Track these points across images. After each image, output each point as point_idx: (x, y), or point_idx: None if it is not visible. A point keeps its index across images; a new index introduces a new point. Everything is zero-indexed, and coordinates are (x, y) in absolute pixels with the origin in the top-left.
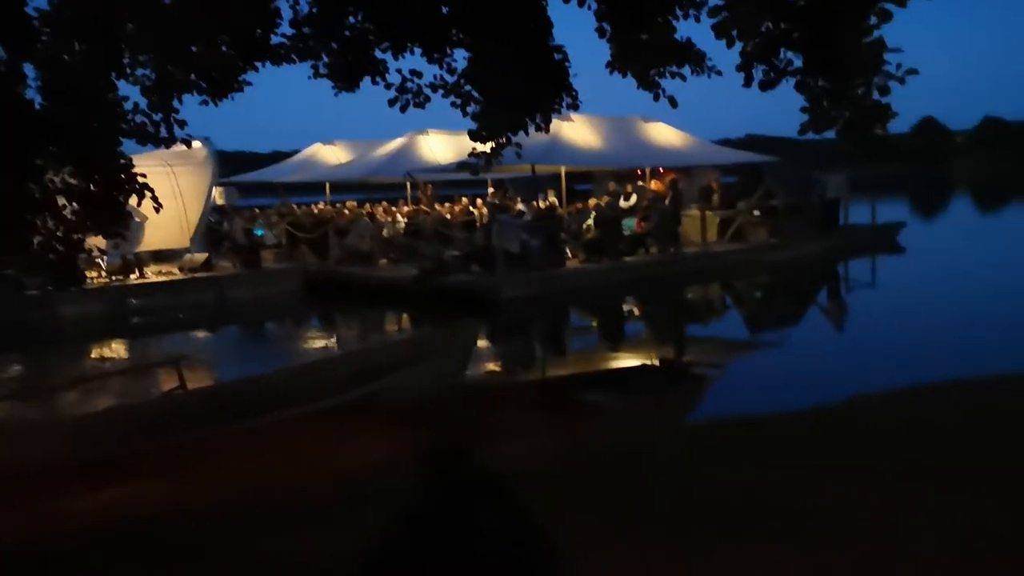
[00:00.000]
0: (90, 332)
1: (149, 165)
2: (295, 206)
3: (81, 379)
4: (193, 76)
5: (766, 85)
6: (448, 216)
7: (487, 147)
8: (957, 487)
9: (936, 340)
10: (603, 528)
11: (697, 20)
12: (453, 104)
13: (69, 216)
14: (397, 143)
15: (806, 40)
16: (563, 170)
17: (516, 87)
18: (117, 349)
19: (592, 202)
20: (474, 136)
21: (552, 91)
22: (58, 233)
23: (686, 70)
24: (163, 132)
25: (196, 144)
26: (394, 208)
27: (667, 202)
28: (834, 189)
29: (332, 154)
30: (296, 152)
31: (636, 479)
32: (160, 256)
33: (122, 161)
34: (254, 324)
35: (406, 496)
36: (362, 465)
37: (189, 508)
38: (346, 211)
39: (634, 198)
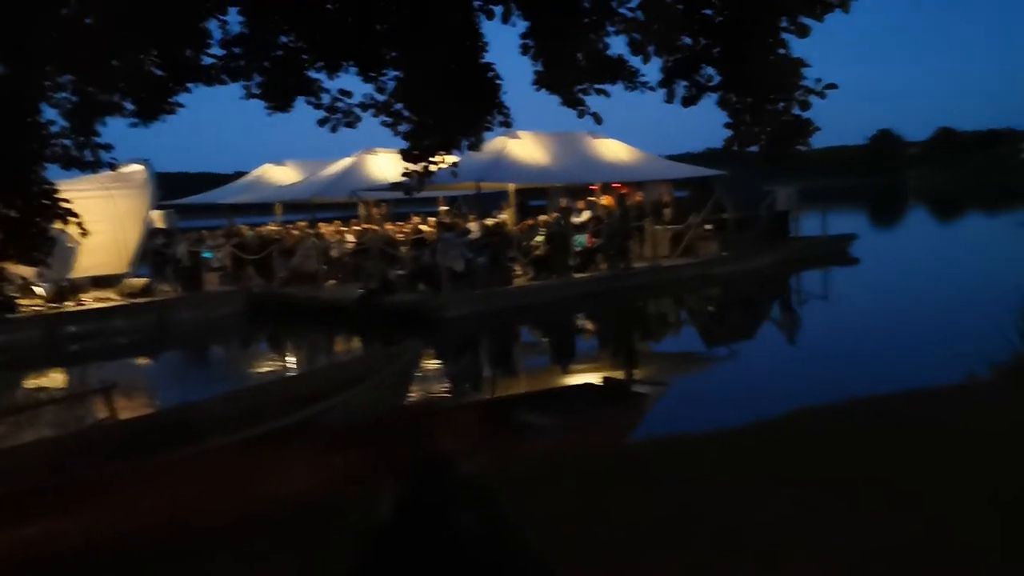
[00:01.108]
0: (22, 361)
1: (86, 189)
2: (245, 227)
3: (7, 410)
4: (117, 98)
5: (688, 101)
6: (400, 235)
7: (419, 167)
8: (897, 500)
9: (882, 351)
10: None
11: (628, 36)
12: (384, 124)
13: None
14: (346, 162)
15: (722, 56)
16: (512, 187)
17: (448, 106)
18: (48, 378)
19: (543, 218)
20: (406, 156)
21: (483, 109)
22: None
23: (617, 87)
24: (88, 156)
25: (136, 167)
26: (344, 227)
27: (615, 217)
28: (783, 201)
29: (282, 174)
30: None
31: (571, 499)
32: (101, 282)
33: (45, 186)
34: (194, 348)
35: (357, 516)
36: (300, 490)
37: (112, 540)
38: (295, 231)
39: (586, 214)
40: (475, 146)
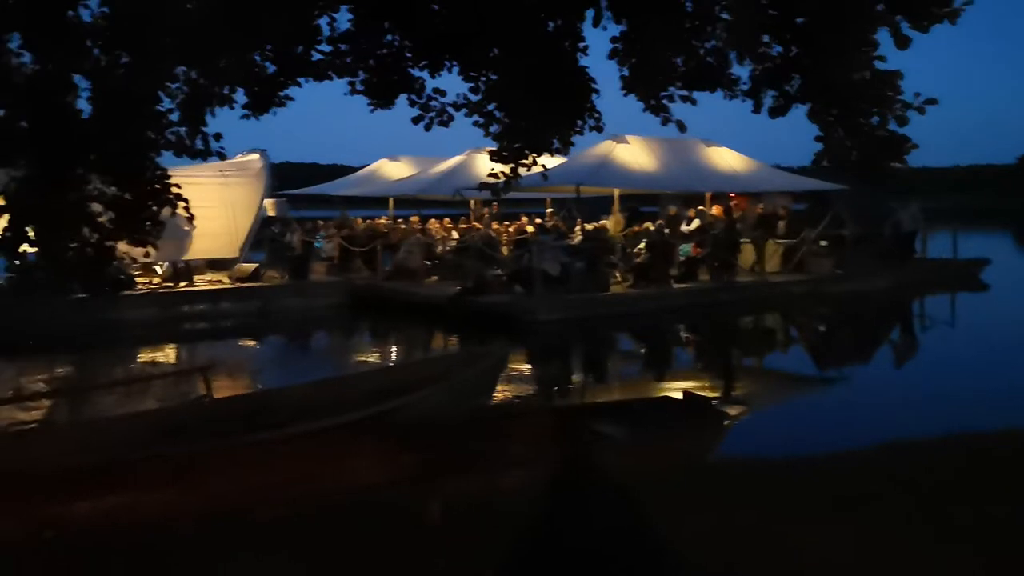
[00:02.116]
0: (134, 336)
1: (203, 175)
2: (360, 219)
3: (110, 383)
4: (227, 90)
5: (775, 112)
6: (505, 235)
7: (507, 168)
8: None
9: (996, 386)
10: None
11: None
12: (476, 124)
13: (106, 224)
14: (455, 160)
15: (812, 66)
16: (616, 192)
17: (541, 107)
18: (154, 354)
19: (649, 225)
20: (494, 156)
21: (575, 113)
22: (92, 240)
23: (704, 95)
24: (199, 145)
25: (253, 156)
26: (450, 225)
27: (720, 228)
28: (908, 221)
29: (396, 169)
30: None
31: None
32: (217, 264)
33: (158, 172)
34: (291, 335)
35: (410, 516)
36: (365, 485)
37: (182, 520)
38: (402, 226)
39: (696, 223)
40: (564, 150)
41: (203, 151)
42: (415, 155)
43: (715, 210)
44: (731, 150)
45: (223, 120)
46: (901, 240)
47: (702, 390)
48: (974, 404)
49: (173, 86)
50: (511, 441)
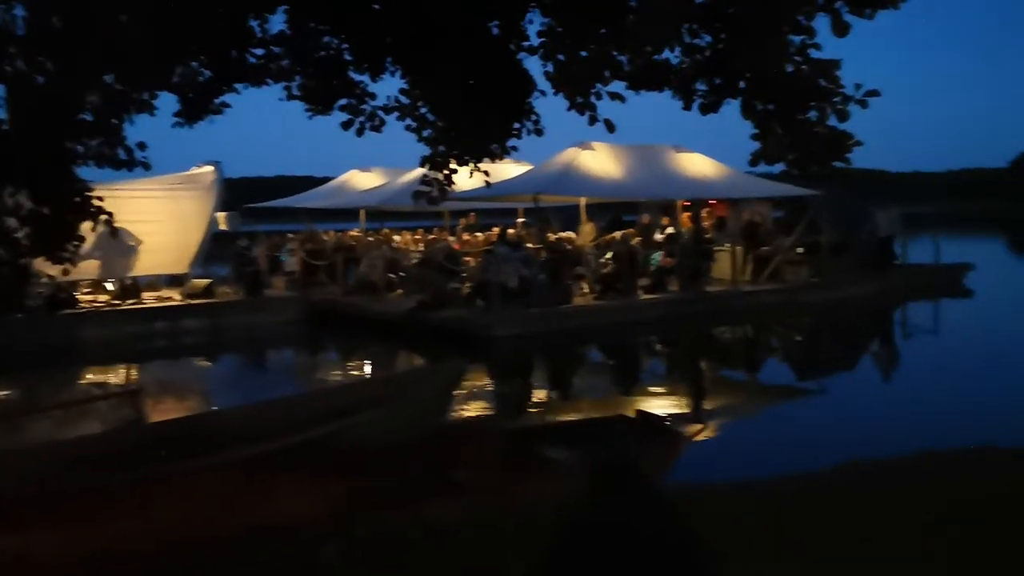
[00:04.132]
0: (69, 359)
1: (152, 188)
2: (331, 232)
3: (33, 409)
4: (146, 96)
5: (707, 108)
6: (471, 246)
7: (441, 174)
8: None
9: (975, 400)
10: None
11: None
12: (408, 128)
13: (22, 240)
14: (422, 170)
15: (742, 56)
16: (583, 201)
17: (477, 107)
18: (88, 377)
19: (618, 235)
20: (427, 162)
21: (511, 113)
22: (6, 259)
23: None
24: (121, 155)
25: (206, 168)
26: (418, 237)
27: (688, 236)
28: (885, 225)
29: (366, 180)
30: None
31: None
32: (175, 281)
33: (78, 184)
34: (241, 353)
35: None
36: (299, 515)
37: (77, 563)
38: (369, 239)
39: (670, 230)
40: (502, 154)
41: (127, 161)
42: (388, 166)
43: (686, 217)
44: (703, 156)
45: (207, 135)
46: (879, 245)
47: (662, 407)
48: (949, 419)
49: (90, 95)
50: (453, 466)
